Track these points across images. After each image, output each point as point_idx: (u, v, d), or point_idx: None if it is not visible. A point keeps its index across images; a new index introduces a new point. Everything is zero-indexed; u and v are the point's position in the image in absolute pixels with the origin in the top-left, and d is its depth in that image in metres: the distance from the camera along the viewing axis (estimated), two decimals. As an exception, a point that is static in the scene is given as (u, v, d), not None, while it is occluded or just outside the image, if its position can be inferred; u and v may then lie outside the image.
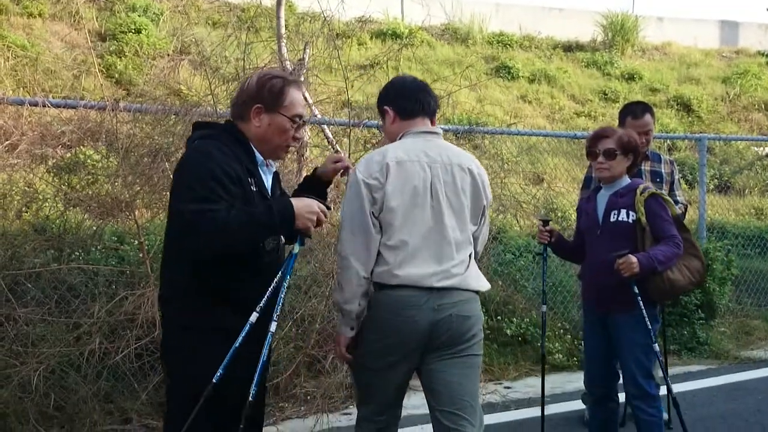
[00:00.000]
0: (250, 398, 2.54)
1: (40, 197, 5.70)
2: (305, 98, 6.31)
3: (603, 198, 3.81)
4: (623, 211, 3.69)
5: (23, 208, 5.62)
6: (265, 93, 2.66)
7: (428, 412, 2.99)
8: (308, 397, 4.91)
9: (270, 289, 2.56)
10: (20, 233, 5.17)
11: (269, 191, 2.73)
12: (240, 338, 2.51)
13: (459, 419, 2.85)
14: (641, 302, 3.58)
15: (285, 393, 4.92)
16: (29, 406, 4.20)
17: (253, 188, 2.61)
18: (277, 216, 2.51)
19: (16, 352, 4.33)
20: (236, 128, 2.69)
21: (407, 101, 3.02)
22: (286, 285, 2.60)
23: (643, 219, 3.64)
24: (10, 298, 4.51)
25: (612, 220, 3.71)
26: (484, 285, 2.99)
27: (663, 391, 4.73)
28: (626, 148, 3.74)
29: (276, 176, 2.84)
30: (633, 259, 3.50)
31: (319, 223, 2.60)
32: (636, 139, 3.85)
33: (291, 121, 2.68)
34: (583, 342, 4.16)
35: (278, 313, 2.59)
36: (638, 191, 3.70)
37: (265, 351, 2.58)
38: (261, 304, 2.55)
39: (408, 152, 2.89)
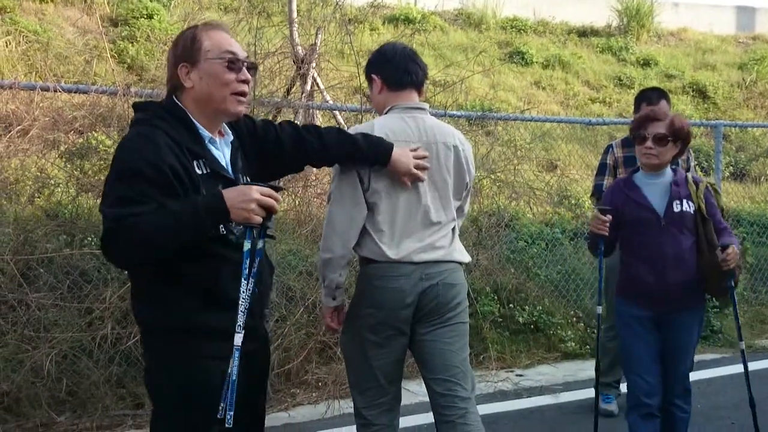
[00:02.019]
0: (227, 425, 2.17)
1: (52, 182, 5.71)
2: (316, 82, 6.34)
3: (652, 186, 3.49)
4: (685, 202, 3.42)
5: (35, 194, 5.64)
6: (181, 49, 2.34)
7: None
8: (320, 384, 4.92)
9: (243, 298, 2.22)
10: (32, 218, 5.19)
11: (228, 167, 2.39)
12: (234, 367, 2.19)
13: (452, 385, 2.93)
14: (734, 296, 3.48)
15: (296, 379, 4.93)
16: (41, 391, 4.23)
17: (201, 171, 2.27)
18: (204, 212, 2.18)
19: (29, 336, 4.36)
20: (174, 103, 2.34)
21: (396, 71, 2.99)
22: (247, 289, 2.22)
23: (704, 208, 3.42)
24: (22, 283, 4.53)
25: (676, 210, 3.41)
26: (466, 257, 3.08)
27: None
28: (678, 134, 3.43)
29: (236, 146, 2.49)
30: (737, 249, 3.30)
31: (269, 209, 2.22)
32: (688, 125, 3.52)
33: (221, 61, 2.31)
34: (625, 348, 3.62)
35: (242, 324, 2.21)
36: (690, 180, 3.49)
37: (234, 370, 2.19)
38: (240, 322, 2.21)
39: (395, 132, 2.90)
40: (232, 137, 2.47)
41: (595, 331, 6.15)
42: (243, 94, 2.37)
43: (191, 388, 2.25)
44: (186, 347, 2.25)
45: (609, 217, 3.44)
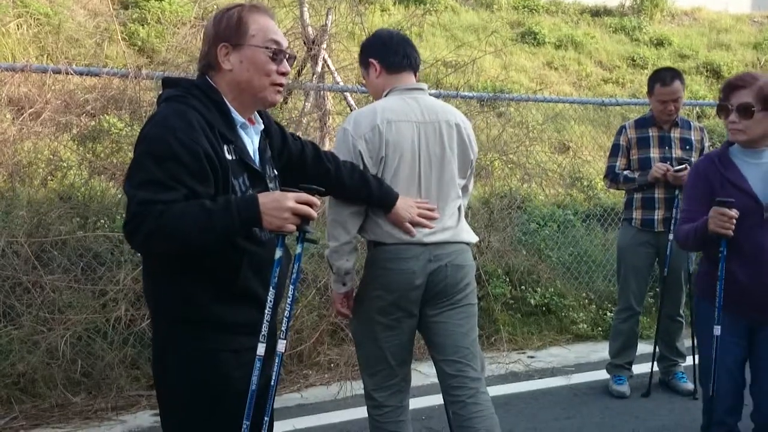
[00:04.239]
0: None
1: (65, 165, 5.73)
2: (327, 63, 6.32)
3: (753, 167, 2.95)
4: None
5: (48, 176, 5.67)
6: (224, 28, 2.20)
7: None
8: (332, 365, 4.95)
9: (269, 306, 2.16)
10: (46, 201, 5.22)
11: (255, 156, 2.28)
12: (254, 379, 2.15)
13: (462, 366, 2.95)
14: None
15: (309, 360, 4.96)
16: (57, 372, 4.27)
17: (230, 156, 2.15)
18: (236, 215, 2.06)
19: (44, 318, 4.40)
20: (208, 83, 2.22)
21: (396, 54, 2.99)
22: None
23: None
24: (36, 265, 4.57)
25: None
26: (473, 237, 3.08)
27: (689, 361, 4.71)
28: None
29: (266, 135, 2.39)
30: None
31: (305, 217, 2.11)
32: None
33: (265, 49, 2.21)
34: (707, 359, 3.06)
35: (265, 334, 2.15)
36: None
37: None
38: (264, 332, 2.15)
39: (397, 113, 2.89)
40: (262, 126, 2.36)
41: (607, 313, 6.16)
42: (282, 85, 2.28)
43: (204, 377, 2.17)
44: (201, 337, 2.16)
45: (736, 212, 2.82)
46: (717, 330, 2.96)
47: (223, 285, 2.17)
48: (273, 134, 2.46)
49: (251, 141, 2.29)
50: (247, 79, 2.21)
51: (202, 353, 2.17)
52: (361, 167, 2.83)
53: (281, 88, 2.29)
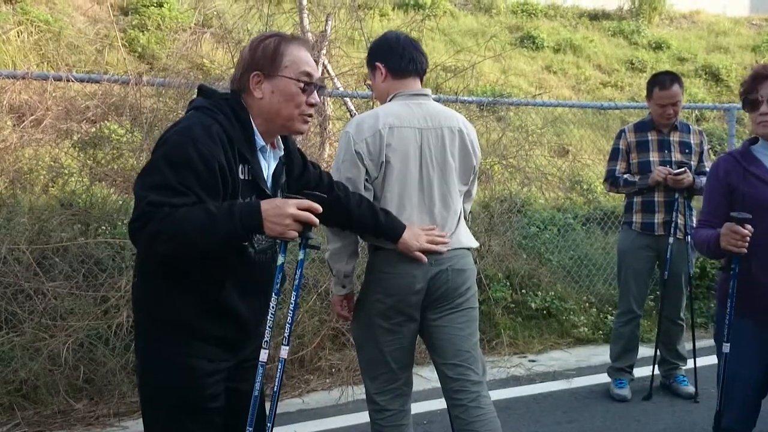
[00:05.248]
0: None
1: (66, 172, 5.74)
2: (327, 69, 6.34)
3: None
4: None
5: (49, 183, 5.67)
6: (260, 56, 2.26)
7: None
8: (333, 370, 4.95)
9: (271, 312, 2.21)
10: (47, 208, 5.22)
11: (268, 181, 2.31)
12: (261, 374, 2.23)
13: (463, 369, 2.96)
14: None
15: (310, 365, 4.96)
16: (59, 379, 4.27)
17: (243, 177, 2.21)
18: (239, 220, 2.08)
19: (45, 325, 4.40)
20: (240, 102, 2.27)
21: (402, 59, 3.00)
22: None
23: None
24: (38, 272, 4.57)
25: None
26: (474, 242, 3.09)
27: (690, 364, 4.72)
28: None
29: (283, 161, 2.43)
30: None
31: (307, 223, 2.13)
32: None
33: (297, 81, 2.26)
34: (724, 368, 2.90)
35: (267, 339, 2.20)
36: None
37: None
38: (266, 338, 2.21)
39: (400, 118, 2.91)
40: (282, 152, 2.41)
41: (608, 317, 6.16)
42: (310, 115, 2.34)
43: (175, 379, 2.22)
44: (176, 341, 2.21)
45: (750, 229, 2.65)
46: (726, 347, 2.83)
47: (207, 298, 2.21)
48: (294, 161, 2.51)
49: (267, 165, 2.34)
50: (276, 109, 2.27)
51: (175, 356, 2.22)
52: (362, 170, 2.85)
53: (309, 119, 2.34)
